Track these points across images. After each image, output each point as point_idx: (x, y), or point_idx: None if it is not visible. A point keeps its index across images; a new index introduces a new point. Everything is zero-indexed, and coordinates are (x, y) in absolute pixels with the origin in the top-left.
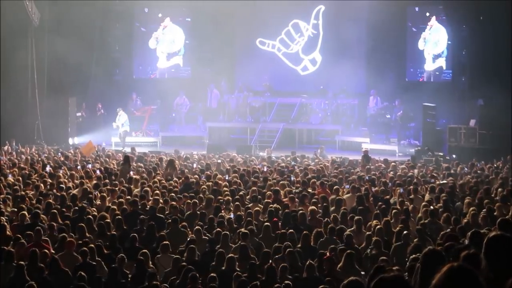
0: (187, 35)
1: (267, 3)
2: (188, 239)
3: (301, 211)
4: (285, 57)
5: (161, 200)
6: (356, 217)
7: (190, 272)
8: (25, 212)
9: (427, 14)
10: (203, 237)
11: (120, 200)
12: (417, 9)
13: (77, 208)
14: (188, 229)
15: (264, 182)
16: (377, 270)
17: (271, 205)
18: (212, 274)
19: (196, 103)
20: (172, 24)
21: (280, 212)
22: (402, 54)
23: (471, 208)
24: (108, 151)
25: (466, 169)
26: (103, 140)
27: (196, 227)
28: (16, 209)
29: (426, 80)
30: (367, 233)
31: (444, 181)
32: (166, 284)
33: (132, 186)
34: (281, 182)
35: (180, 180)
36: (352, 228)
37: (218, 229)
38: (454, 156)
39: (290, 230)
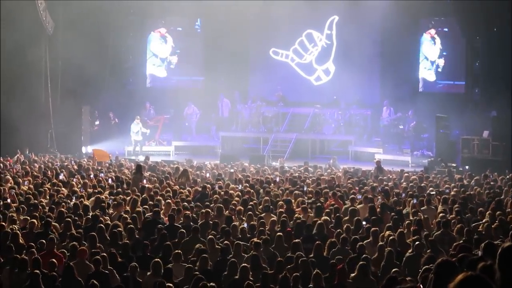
0: (201, 44)
1: (280, 13)
2: (196, 248)
3: (318, 222)
4: (299, 67)
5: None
6: (373, 228)
7: (200, 281)
8: (35, 220)
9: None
10: (216, 246)
11: (134, 209)
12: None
13: (89, 217)
14: (200, 239)
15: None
16: (389, 281)
17: (284, 215)
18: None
19: (209, 112)
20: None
21: (291, 222)
22: (415, 65)
23: (484, 220)
24: (121, 160)
25: (473, 182)
26: (116, 149)
27: (209, 236)
28: (28, 218)
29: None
30: (380, 243)
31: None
32: None
33: (144, 195)
34: (290, 191)
35: (193, 189)
36: (369, 240)
37: (229, 238)
38: (467, 167)
39: (298, 240)
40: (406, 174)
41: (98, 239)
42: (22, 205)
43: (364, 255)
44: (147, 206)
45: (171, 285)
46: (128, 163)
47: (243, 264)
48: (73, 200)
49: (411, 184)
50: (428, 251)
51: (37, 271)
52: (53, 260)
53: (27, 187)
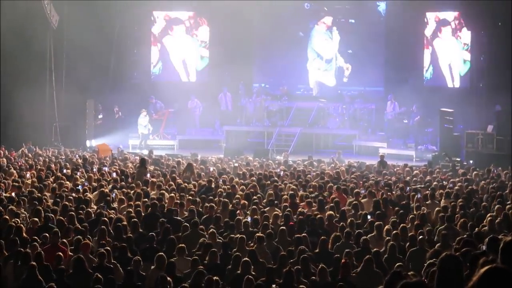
0: (205, 38)
1: (285, 7)
2: (200, 242)
3: (319, 216)
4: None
5: (177, 202)
6: (377, 223)
7: (202, 275)
8: (41, 214)
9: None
10: (217, 240)
11: (137, 202)
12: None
13: (90, 210)
14: (205, 232)
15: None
16: (393, 275)
17: (288, 209)
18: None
19: (213, 106)
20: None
21: (295, 216)
22: (419, 59)
23: (488, 214)
24: (125, 154)
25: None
26: (120, 143)
27: (211, 230)
28: (31, 211)
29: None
30: (386, 238)
31: (419, 186)
32: (185, 284)
33: (149, 189)
34: (293, 187)
35: (197, 183)
36: (373, 234)
37: (232, 233)
38: (471, 161)
39: (303, 234)
40: (407, 169)
41: (100, 233)
42: (24, 198)
43: (374, 250)
44: (147, 200)
45: (170, 279)
46: (132, 156)
47: (245, 259)
48: (78, 194)
49: (415, 178)
50: (438, 244)
51: (34, 263)
52: (59, 253)
53: (30, 181)
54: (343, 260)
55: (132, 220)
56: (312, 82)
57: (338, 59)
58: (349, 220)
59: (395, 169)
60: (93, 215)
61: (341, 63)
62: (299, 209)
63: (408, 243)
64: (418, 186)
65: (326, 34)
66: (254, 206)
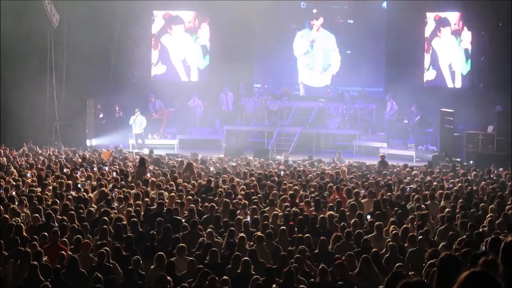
0: (206, 37)
1: (283, 7)
2: (200, 242)
3: (321, 216)
4: (304, 61)
5: (178, 201)
6: (377, 223)
7: (207, 275)
8: (41, 213)
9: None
10: (216, 240)
11: (137, 202)
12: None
13: (91, 209)
14: (204, 232)
15: (278, 185)
16: (394, 276)
17: (288, 209)
18: (227, 277)
19: (214, 106)
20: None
21: (295, 216)
22: (420, 60)
23: (488, 215)
24: (125, 153)
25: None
26: (120, 142)
27: (208, 230)
28: (32, 210)
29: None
30: (388, 239)
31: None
32: (185, 284)
33: (148, 189)
34: (295, 187)
35: (197, 183)
36: (373, 234)
37: (232, 233)
38: (471, 162)
39: (307, 235)
40: (408, 169)
41: (102, 232)
42: (24, 197)
43: (373, 250)
44: (148, 199)
45: (170, 279)
46: (132, 156)
47: (245, 258)
48: (78, 193)
49: (416, 179)
50: (442, 244)
51: (35, 262)
52: (62, 252)
53: (31, 180)
54: (338, 260)
55: (132, 219)
56: (299, 82)
57: (332, 62)
58: (352, 221)
59: (395, 170)
60: (97, 214)
61: (333, 66)
62: (294, 209)
63: (408, 243)
64: (416, 186)
65: (305, 33)
66: (254, 206)
